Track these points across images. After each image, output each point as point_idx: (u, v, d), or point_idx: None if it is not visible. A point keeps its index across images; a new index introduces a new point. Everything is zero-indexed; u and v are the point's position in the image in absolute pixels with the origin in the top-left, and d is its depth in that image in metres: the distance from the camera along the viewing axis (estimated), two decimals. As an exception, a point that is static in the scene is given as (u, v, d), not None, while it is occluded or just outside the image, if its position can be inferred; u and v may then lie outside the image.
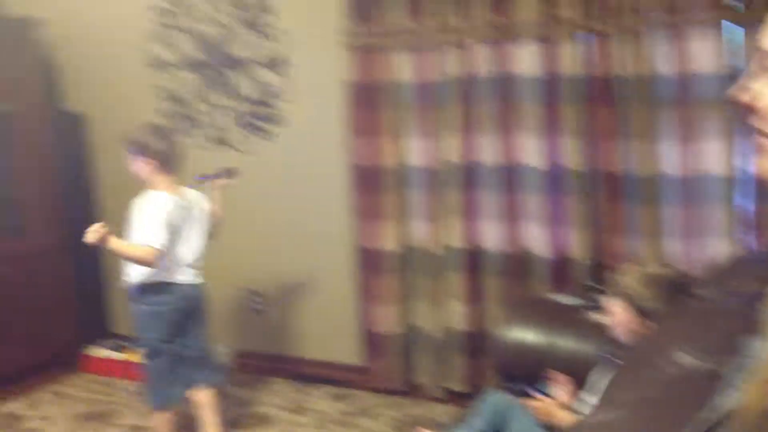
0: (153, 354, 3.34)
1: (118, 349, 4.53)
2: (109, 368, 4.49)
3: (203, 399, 3.48)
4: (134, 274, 3.27)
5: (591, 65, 3.40)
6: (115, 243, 3.12)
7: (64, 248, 4.65)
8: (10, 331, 4.38)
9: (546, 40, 3.44)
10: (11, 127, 4.46)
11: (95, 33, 4.71)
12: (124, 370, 4.44)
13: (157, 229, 3.14)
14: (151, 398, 3.40)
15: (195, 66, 4.46)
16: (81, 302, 4.79)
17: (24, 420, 3.99)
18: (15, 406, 4.16)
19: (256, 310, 4.55)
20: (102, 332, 4.90)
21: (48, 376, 4.49)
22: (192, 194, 3.39)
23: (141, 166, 3.26)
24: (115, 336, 4.83)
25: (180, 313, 3.33)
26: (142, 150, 3.23)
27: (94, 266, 4.94)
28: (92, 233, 3.02)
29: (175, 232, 3.23)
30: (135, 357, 4.41)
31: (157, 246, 3.13)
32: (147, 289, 3.27)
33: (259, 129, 4.36)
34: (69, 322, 4.69)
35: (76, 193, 4.83)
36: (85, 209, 4.88)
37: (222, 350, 4.45)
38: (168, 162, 3.25)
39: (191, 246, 3.35)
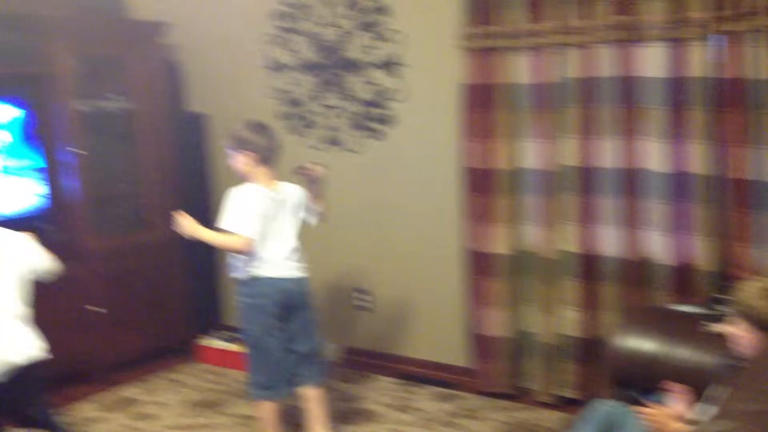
0: (253, 346, 3.40)
1: (230, 340, 4.64)
2: (221, 358, 4.61)
3: (310, 395, 3.52)
4: (235, 268, 3.36)
5: (721, 67, 3.29)
6: (205, 233, 3.25)
7: (181, 241, 4.80)
8: (131, 320, 4.58)
9: (674, 41, 3.36)
10: (136, 125, 4.66)
11: (217, 37, 4.87)
12: (236, 360, 4.54)
13: (247, 218, 3.20)
14: (251, 389, 3.45)
15: (311, 68, 4.55)
16: (196, 294, 4.95)
17: (139, 404, 4.13)
18: (132, 390, 4.32)
19: (363, 308, 4.59)
20: (215, 323, 5.04)
21: (164, 363, 4.65)
22: (289, 188, 3.42)
23: (239, 161, 3.33)
24: (227, 327, 4.97)
25: (280, 307, 3.36)
26: (241, 144, 3.30)
27: (209, 259, 5.08)
28: (181, 223, 3.14)
29: (266, 223, 3.27)
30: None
31: (248, 234, 3.19)
32: (247, 282, 3.34)
33: (371, 130, 4.41)
34: (184, 312, 4.87)
35: (194, 189, 4.98)
36: (202, 204, 5.03)
37: (329, 346, 4.51)
38: (265, 156, 3.30)
39: (286, 240, 3.38)
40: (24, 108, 4.24)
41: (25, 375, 2.97)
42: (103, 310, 4.38)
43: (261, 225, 3.24)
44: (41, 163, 4.31)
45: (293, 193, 3.44)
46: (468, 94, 3.89)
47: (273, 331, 3.35)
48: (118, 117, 4.66)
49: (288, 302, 3.37)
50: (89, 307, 4.34)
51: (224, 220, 3.23)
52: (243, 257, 3.29)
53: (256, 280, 3.31)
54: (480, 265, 4.00)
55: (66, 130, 4.31)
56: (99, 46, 4.51)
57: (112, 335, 4.46)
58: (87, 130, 4.44)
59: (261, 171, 3.30)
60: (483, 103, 3.85)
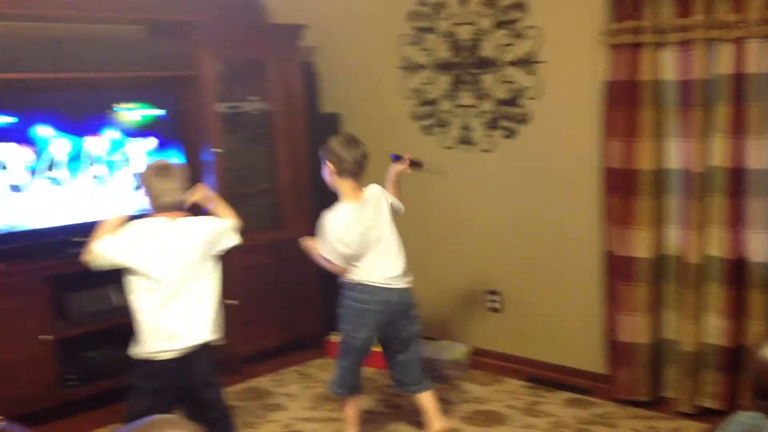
0: (345, 346, 3.45)
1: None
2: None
3: (423, 402, 3.54)
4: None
5: None
6: (313, 248, 3.43)
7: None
8: (265, 314, 4.70)
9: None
10: (272, 125, 4.77)
11: (352, 38, 4.96)
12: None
13: (334, 245, 3.33)
14: (334, 384, 3.52)
15: (445, 67, 4.54)
16: (329, 290, 4.99)
17: (270, 396, 4.21)
18: (264, 382, 4.41)
19: (494, 310, 4.52)
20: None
21: (296, 357, 4.74)
22: (373, 194, 3.45)
23: (327, 172, 3.43)
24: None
25: (380, 315, 3.40)
26: (328, 157, 3.40)
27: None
28: (305, 244, 3.43)
29: (361, 239, 3.35)
30: (374, 345, 4.55)
31: (330, 259, 3.34)
32: (352, 286, 3.41)
33: (505, 129, 4.35)
34: (317, 308, 4.93)
35: (326, 188, 5.03)
36: (334, 204, 5.08)
37: (459, 348, 4.47)
38: (348, 170, 3.38)
39: (386, 247, 3.42)
40: (169, 109, 4.42)
41: (201, 356, 3.10)
42: (236, 302, 4.48)
43: (353, 246, 3.33)
44: (185, 161, 4.47)
45: (376, 195, 3.46)
46: (610, 91, 3.79)
47: (367, 337, 3.42)
48: (255, 117, 4.80)
49: (390, 312, 3.42)
50: (227, 301, 4.45)
51: (319, 245, 3.40)
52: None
53: (359, 286, 3.39)
54: (619, 268, 3.86)
55: (207, 131, 4.47)
56: (241, 50, 4.67)
57: (247, 328, 4.57)
58: (225, 130, 4.59)
59: (346, 183, 3.39)
60: (626, 101, 3.73)
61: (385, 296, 3.38)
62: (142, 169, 3.23)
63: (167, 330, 3.03)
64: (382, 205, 3.46)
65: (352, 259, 3.36)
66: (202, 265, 3.15)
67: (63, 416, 3.88)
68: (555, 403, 4.02)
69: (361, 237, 3.34)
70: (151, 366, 3.03)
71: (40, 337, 3.79)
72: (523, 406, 3.99)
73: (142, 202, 3.21)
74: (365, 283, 3.37)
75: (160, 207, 3.10)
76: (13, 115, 3.84)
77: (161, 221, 3.10)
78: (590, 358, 4.14)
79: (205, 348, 3.12)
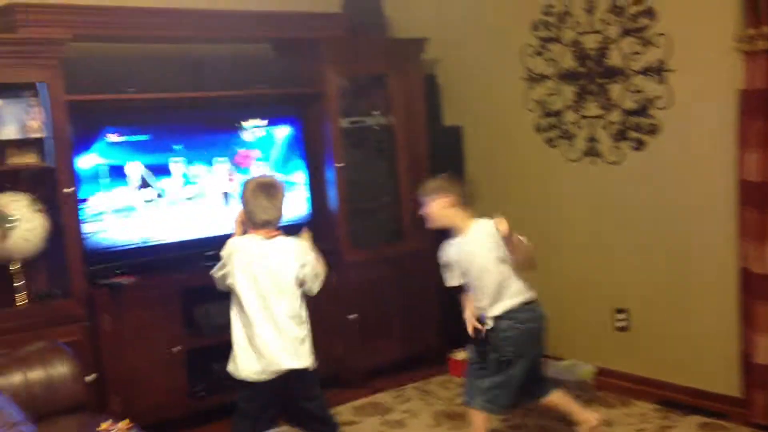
0: (507, 367, 3.38)
1: (479, 355, 4.62)
2: (470, 373, 4.59)
3: (554, 398, 3.55)
4: None
5: None
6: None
7: (433, 253, 4.86)
8: (386, 328, 4.72)
9: None
10: (393, 139, 4.80)
11: (474, 49, 4.91)
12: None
13: (450, 274, 3.52)
14: (478, 397, 3.43)
15: (570, 77, 4.42)
16: (450, 307, 4.96)
17: (390, 411, 4.21)
18: (384, 397, 4.42)
19: (621, 329, 4.35)
20: (468, 337, 5.02)
21: (417, 373, 4.71)
22: (483, 227, 3.38)
23: (436, 207, 3.44)
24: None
25: (524, 335, 3.39)
26: (437, 191, 3.43)
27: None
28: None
29: (471, 271, 3.42)
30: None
31: (449, 284, 3.52)
32: (520, 308, 3.40)
33: (633, 140, 4.19)
34: (438, 324, 4.91)
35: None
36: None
37: (585, 368, 4.33)
38: (460, 200, 3.41)
39: (493, 278, 3.38)
40: (294, 126, 4.52)
41: (298, 376, 3.13)
42: (355, 316, 4.53)
43: (466, 276, 3.45)
44: (306, 177, 4.56)
45: (483, 230, 3.39)
46: (746, 100, 3.58)
47: (529, 357, 3.39)
48: (376, 132, 4.83)
49: (526, 331, 3.42)
50: (350, 317, 4.51)
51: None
52: None
53: (524, 306, 3.39)
54: (756, 286, 3.63)
55: (329, 146, 4.53)
56: (364, 65, 4.73)
57: (367, 343, 4.61)
58: (347, 145, 4.65)
59: (455, 214, 3.42)
60: (763, 110, 3.51)
61: (518, 317, 3.40)
62: (244, 184, 3.26)
63: (261, 352, 3.05)
64: (489, 237, 3.39)
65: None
66: (295, 287, 3.15)
67: (190, 426, 4.02)
68: (686, 427, 3.82)
69: (468, 268, 3.47)
70: (249, 387, 3.08)
71: (173, 349, 3.95)
72: (653, 430, 3.81)
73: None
74: (520, 305, 3.40)
75: (257, 224, 3.13)
76: (147, 133, 4.03)
77: (257, 239, 3.13)
78: (724, 380, 3.91)
79: (301, 370, 3.13)
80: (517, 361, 3.36)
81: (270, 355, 3.06)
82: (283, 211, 3.22)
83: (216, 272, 3.15)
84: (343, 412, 4.19)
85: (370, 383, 4.56)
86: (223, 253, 3.14)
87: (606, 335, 4.43)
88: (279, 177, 4.32)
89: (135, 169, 4.00)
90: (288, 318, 3.11)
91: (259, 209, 3.12)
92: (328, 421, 3.28)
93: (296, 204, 4.48)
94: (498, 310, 3.38)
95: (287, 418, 3.16)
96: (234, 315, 3.11)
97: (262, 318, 3.07)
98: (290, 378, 3.10)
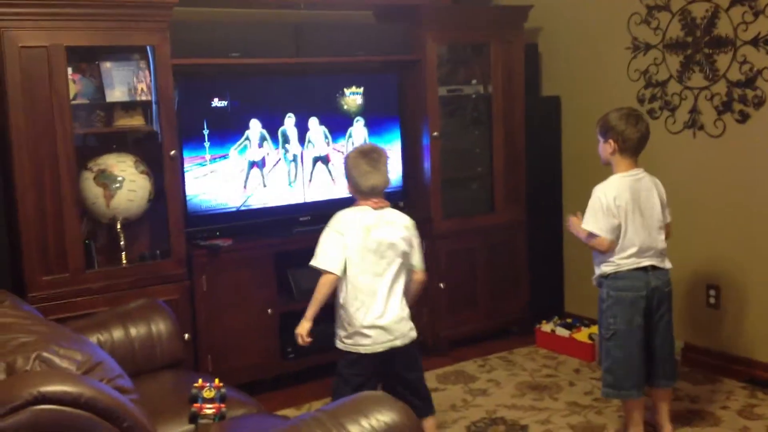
0: (612, 341, 3.26)
1: (568, 327, 4.58)
2: (559, 345, 4.57)
3: (661, 394, 3.39)
4: (597, 262, 3.30)
5: None
6: (577, 228, 3.28)
7: (525, 224, 4.85)
8: (473, 299, 4.74)
9: None
10: (490, 108, 4.74)
11: (578, 17, 4.80)
12: (572, 348, 4.48)
13: (603, 218, 3.17)
14: (603, 386, 3.33)
15: (677, 47, 4.27)
16: (539, 279, 4.95)
17: (475, 380, 4.24)
18: (470, 366, 4.45)
19: (714, 306, 4.24)
20: (556, 309, 5.01)
21: (503, 344, 4.73)
22: (648, 180, 3.26)
23: (604, 148, 3.27)
24: (569, 315, 4.91)
25: (645, 301, 3.23)
26: (605, 132, 3.24)
27: (554, 245, 5.05)
28: (570, 221, 3.32)
29: (627, 216, 3.18)
30: (583, 337, 4.45)
31: (605, 235, 3.16)
32: (612, 275, 3.25)
33: (738, 112, 4.03)
34: (526, 296, 4.91)
35: (545, 173, 4.97)
36: (553, 189, 5.01)
37: (676, 344, 4.24)
38: (630, 147, 3.20)
39: (650, 230, 3.24)
40: (392, 93, 4.54)
41: (404, 350, 3.15)
42: (442, 286, 4.55)
43: (620, 222, 3.18)
44: (402, 144, 4.58)
45: (653, 185, 3.30)
46: None
47: (636, 327, 3.23)
48: (473, 101, 4.80)
49: (652, 297, 3.25)
50: (441, 285, 4.54)
51: (586, 220, 3.23)
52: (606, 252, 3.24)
53: (620, 273, 3.23)
54: None
55: (425, 114, 4.53)
56: (464, 33, 4.68)
57: (455, 312, 4.65)
58: (443, 114, 4.64)
59: (624, 161, 3.23)
60: None
61: (648, 279, 3.24)
62: (345, 157, 3.23)
63: (370, 323, 3.05)
64: (656, 193, 3.30)
65: (617, 232, 3.19)
66: (402, 261, 3.13)
67: (281, 387, 4.15)
68: (776, 408, 3.76)
69: (627, 213, 3.20)
70: (354, 357, 3.09)
71: (268, 311, 4.07)
72: (738, 408, 3.75)
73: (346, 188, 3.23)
74: (626, 269, 3.21)
75: (363, 192, 3.09)
76: (248, 98, 4.12)
77: (366, 211, 3.10)
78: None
79: (408, 344, 3.14)
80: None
81: (380, 329, 3.06)
82: (389, 176, 3.17)
83: (325, 249, 3.08)
84: (428, 378, 4.17)
85: (456, 352, 4.60)
86: (334, 227, 3.09)
87: (697, 311, 4.33)
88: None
89: (254, 129, 4.12)
90: (396, 291, 3.11)
91: (363, 176, 3.08)
92: (424, 396, 3.27)
93: (391, 172, 4.50)
94: None
95: (384, 387, 3.18)
96: (342, 286, 3.08)
97: (371, 290, 3.06)
98: (397, 351, 3.11)
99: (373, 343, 3.07)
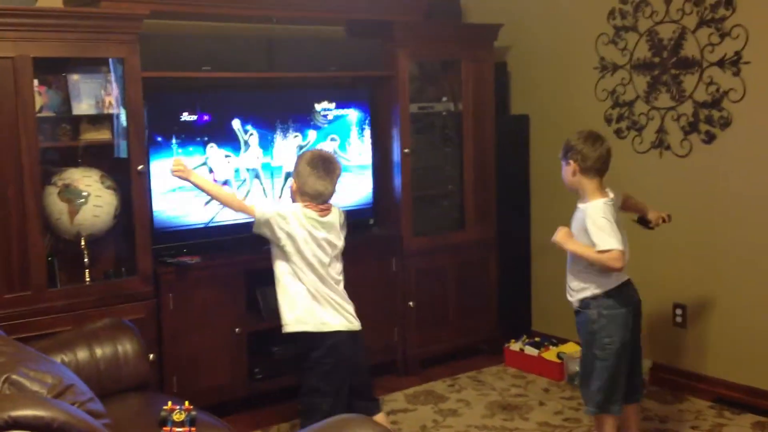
0: (603, 359, 3.22)
1: (537, 346, 4.58)
2: (526, 363, 4.57)
3: (629, 411, 3.38)
4: (583, 284, 3.24)
5: None
6: (578, 246, 3.18)
7: (494, 242, 4.85)
8: (444, 316, 4.71)
9: None
10: (459, 126, 4.75)
11: (547, 37, 4.84)
12: (541, 367, 4.48)
13: (610, 232, 3.10)
14: (588, 403, 3.30)
15: (643, 67, 4.34)
16: (507, 297, 4.95)
17: (444, 400, 4.21)
18: (439, 386, 4.42)
19: (680, 324, 4.28)
20: (524, 328, 5.01)
21: (471, 363, 4.71)
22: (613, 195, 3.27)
23: (566, 170, 3.25)
24: (537, 334, 4.91)
25: (632, 316, 3.23)
26: (566, 153, 3.23)
27: (522, 263, 5.06)
28: (558, 233, 3.24)
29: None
30: (552, 356, 4.45)
31: (620, 247, 3.10)
32: (603, 294, 3.21)
33: (702, 132, 4.09)
34: (494, 314, 4.89)
35: (511, 191, 4.98)
36: (521, 207, 5.02)
37: (644, 362, 4.27)
38: (589, 165, 3.18)
39: (626, 249, 3.22)
40: (363, 109, 4.52)
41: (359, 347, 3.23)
42: (411, 303, 4.53)
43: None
44: (373, 161, 4.55)
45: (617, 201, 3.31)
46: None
47: (627, 343, 3.22)
48: (443, 118, 4.80)
49: (635, 311, 3.27)
50: (410, 303, 4.51)
51: (601, 240, 3.12)
52: (596, 271, 3.19)
53: (610, 291, 3.21)
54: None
55: (397, 131, 4.51)
56: (436, 50, 4.69)
57: (424, 331, 4.61)
58: (414, 130, 4.62)
59: (591, 183, 3.20)
60: None
61: (633, 295, 3.27)
62: (300, 154, 3.33)
63: None
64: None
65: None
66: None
67: (248, 408, 4.07)
68: (740, 425, 3.79)
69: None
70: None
71: (236, 329, 3.98)
72: (708, 428, 3.78)
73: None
74: (615, 287, 3.20)
75: (309, 195, 3.20)
76: (215, 113, 4.04)
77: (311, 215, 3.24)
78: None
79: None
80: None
81: None
82: (337, 189, 3.25)
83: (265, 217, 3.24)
84: (397, 398, 4.21)
85: (425, 371, 4.57)
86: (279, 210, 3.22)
87: (664, 330, 4.35)
88: (342, 157, 4.38)
89: (213, 149, 4.05)
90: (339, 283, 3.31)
91: (313, 179, 3.16)
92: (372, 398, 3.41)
93: (361, 188, 4.49)
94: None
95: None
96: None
97: None
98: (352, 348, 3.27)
99: None
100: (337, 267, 3.29)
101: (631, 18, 4.35)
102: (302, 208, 3.22)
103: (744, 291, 4.00)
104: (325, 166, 3.18)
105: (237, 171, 4.12)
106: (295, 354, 3.36)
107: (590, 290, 3.22)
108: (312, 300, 3.21)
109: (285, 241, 3.20)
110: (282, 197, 4.25)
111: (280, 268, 3.26)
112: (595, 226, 3.13)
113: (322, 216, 3.23)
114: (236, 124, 4.10)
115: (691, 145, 4.16)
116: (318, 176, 3.17)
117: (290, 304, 3.23)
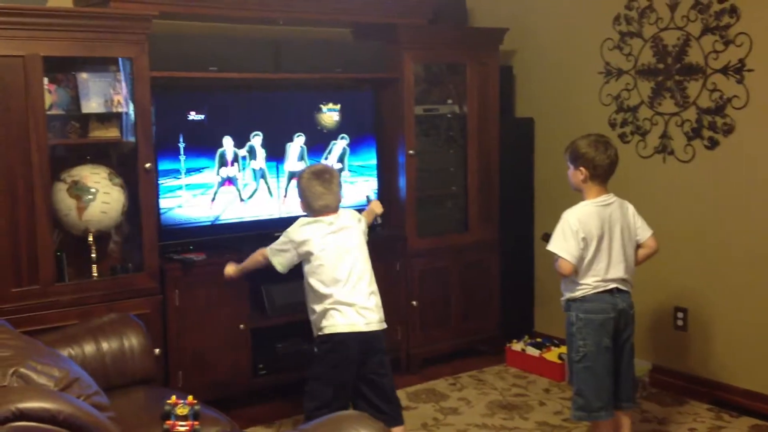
0: (582, 364, 3.26)
1: (538, 347, 4.62)
2: (528, 364, 4.61)
3: (623, 420, 3.40)
4: (564, 286, 3.30)
5: None
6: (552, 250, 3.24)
7: (497, 244, 4.89)
8: (444, 317, 4.76)
9: None
10: (465, 128, 4.79)
11: (553, 41, 4.88)
12: (542, 368, 4.52)
13: (569, 242, 3.16)
14: (573, 409, 3.33)
15: (648, 73, 4.36)
16: (510, 298, 4.99)
17: (446, 399, 4.26)
18: (441, 384, 4.47)
19: (681, 328, 4.31)
20: (526, 328, 5.05)
21: (473, 363, 4.76)
22: (619, 204, 3.29)
23: (574, 175, 3.28)
24: (537, 334, 4.95)
25: (613, 323, 3.23)
26: (575, 159, 3.25)
27: (526, 265, 5.09)
28: (549, 236, 3.29)
29: (596, 243, 3.19)
30: (553, 357, 4.49)
31: (568, 258, 3.15)
32: (580, 298, 3.24)
33: (706, 138, 4.12)
34: (494, 315, 4.94)
35: (517, 193, 5.02)
36: (525, 209, 5.06)
37: (643, 365, 4.30)
38: (600, 172, 3.21)
39: (616, 256, 3.24)
40: (369, 111, 4.57)
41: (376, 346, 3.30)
42: (414, 303, 4.57)
43: (586, 247, 3.18)
44: (378, 162, 4.60)
45: (626, 211, 3.32)
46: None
47: (605, 349, 3.24)
48: (448, 120, 4.84)
49: (619, 319, 3.26)
50: (414, 303, 4.56)
51: (553, 242, 3.22)
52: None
53: (588, 296, 3.23)
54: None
55: (402, 133, 4.56)
56: (441, 53, 4.73)
57: (427, 330, 4.67)
58: (419, 132, 4.67)
59: (594, 187, 3.24)
60: None
61: (615, 302, 3.23)
62: (298, 176, 3.42)
63: None
64: (628, 219, 3.31)
65: (582, 259, 3.19)
66: None
67: (251, 404, 4.12)
68: (739, 429, 3.81)
69: (595, 240, 3.19)
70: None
71: (240, 326, 4.04)
72: (705, 430, 3.81)
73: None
74: (593, 292, 3.22)
75: (315, 210, 3.30)
76: (225, 112, 4.11)
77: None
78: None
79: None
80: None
81: None
82: (341, 196, 3.36)
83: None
84: (399, 396, 4.21)
85: (427, 370, 4.62)
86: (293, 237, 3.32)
87: (665, 333, 4.39)
88: (348, 159, 4.44)
89: (229, 143, 4.11)
90: (365, 284, 3.39)
91: (315, 195, 3.27)
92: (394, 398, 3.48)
93: (364, 189, 4.53)
94: None
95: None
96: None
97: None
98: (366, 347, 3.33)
99: None
100: (359, 267, 3.33)
101: (636, 24, 4.38)
102: (315, 223, 3.32)
103: (745, 296, 4.03)
104: (322, 180, 3.29)
105: (243, 170, 4.17)
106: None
107: (570, 293, 3.27)
108: (333, 303, 3.27)
109: (309, 258, 3.31)
110: (287, 197, 4.30)
111: (307, 278, 3.34)
112: (559, 226, 3.21)
113: (334, 223, 3.32)
114: (242, 124, 4.16)
115: (694, 151, 4.19)
116: (319, 192, 3.28)
117: (320, 310, 3.30)
